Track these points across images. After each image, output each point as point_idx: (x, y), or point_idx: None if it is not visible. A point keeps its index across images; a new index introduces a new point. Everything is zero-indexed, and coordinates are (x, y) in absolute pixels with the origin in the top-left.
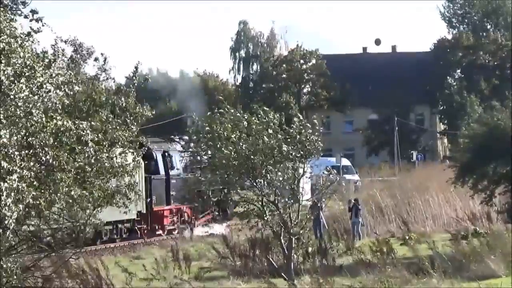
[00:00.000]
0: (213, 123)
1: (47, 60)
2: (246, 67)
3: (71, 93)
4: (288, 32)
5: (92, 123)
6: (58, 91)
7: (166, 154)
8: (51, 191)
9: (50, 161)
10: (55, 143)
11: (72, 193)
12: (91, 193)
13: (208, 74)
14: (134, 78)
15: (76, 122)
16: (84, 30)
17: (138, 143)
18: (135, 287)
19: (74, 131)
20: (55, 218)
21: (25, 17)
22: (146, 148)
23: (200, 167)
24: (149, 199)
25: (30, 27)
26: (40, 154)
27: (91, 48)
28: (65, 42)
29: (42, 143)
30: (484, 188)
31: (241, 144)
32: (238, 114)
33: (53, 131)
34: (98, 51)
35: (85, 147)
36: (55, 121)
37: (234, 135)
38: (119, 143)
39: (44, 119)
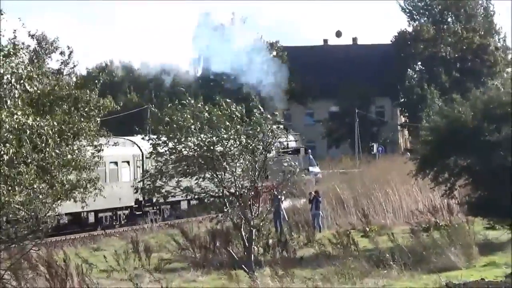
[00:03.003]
0: (174, 114)
1: (6, 50)
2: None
3: (32, 89)
4: (248, 24)
5: (54, 115)
6: (18, 86)
7: None
8: (14, 182)
9: (11, 157)
10: (16, 140)
11: (35, 186)
12: (52, 186)
13: None
14: (99, 76)
15: (37, 119)
16: (45, 22)
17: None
18: (95, 278)
19: (35, 129)
20: (15, 211)
21: None
22: None
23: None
24: None
25: None
26: (1, 151)
27: (56, 40)
28: (32, 36)
29: (2, 141)
30: (444, 181)
31: (201, 135)
32: (199, 105)
33: (15, 127)
34: (62, 43)
35: (46, 144)
36: (15, 116)
37: (194, 126)
38: (83, 135)
39: (4, 114)
